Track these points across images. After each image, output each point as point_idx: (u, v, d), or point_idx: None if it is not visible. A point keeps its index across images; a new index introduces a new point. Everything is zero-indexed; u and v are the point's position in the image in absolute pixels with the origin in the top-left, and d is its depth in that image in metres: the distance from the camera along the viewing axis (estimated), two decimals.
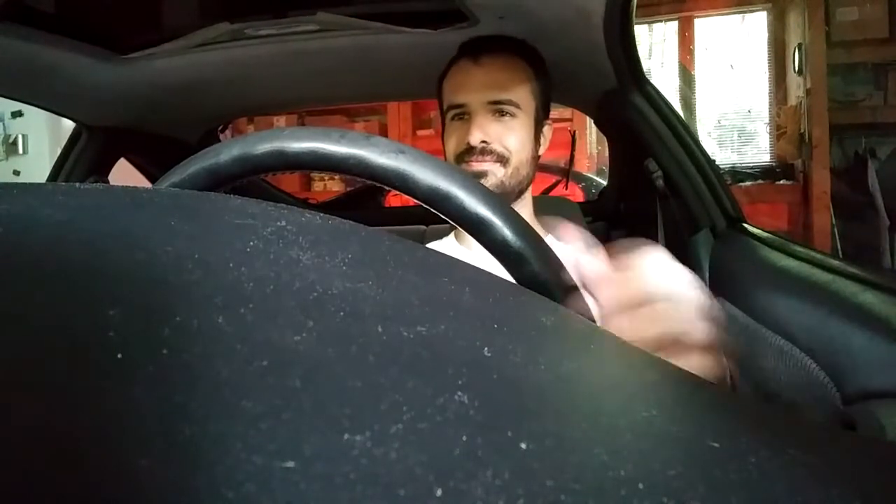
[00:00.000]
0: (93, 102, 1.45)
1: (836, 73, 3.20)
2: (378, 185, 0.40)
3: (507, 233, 0.39)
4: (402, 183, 0.39)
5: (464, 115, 1.05)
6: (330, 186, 4.07)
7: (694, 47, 3.70)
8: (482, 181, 0.98)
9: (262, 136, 0.41)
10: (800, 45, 3.23)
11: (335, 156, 0.40)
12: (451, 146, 1.06)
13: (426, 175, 0.39)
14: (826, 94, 3.13)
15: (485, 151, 1.02)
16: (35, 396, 0.14)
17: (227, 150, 0.41)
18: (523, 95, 1.05)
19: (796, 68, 3.27)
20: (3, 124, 3.45)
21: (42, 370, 0.14)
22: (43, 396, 0.14)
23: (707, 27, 3.73)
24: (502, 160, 1.02)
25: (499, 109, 1.03)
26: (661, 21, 3.78)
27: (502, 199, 0.40)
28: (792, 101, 3.39)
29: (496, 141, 1.02)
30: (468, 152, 1.02)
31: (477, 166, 1.01)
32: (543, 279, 0.39)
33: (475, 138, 1.01)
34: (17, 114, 3.39)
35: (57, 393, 0.14)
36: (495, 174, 1.02)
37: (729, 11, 3.67)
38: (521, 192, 1.07)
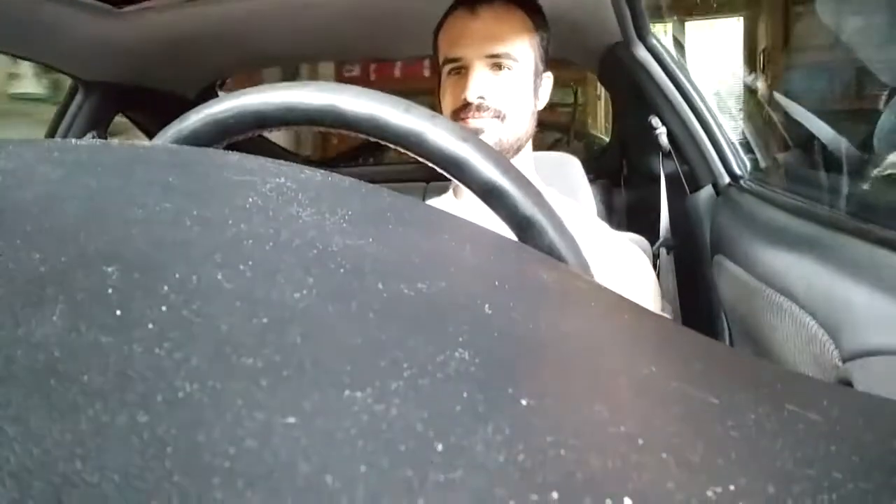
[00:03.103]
0: (89, 57, 1.43)
1: None
2: (434, 167, 0.39)
3: (553, 236, 0.39)
4: (459, 171, 0.38)
5: (461, 69, 1.03)
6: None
7: None
8: (482, 137, 0.98)
9: (322, 87, 0.39)
10: None
11: (396, 129, 0.38)
12: (448, 102, 1.04)
13: (487, 168, 0.38)
14: None
15: (482, 108, 1.00)
16: (33, 351, 0.14)
17: (280, 94, 0.39)
18: (522, 48, 1.03)
19: None
20: None
21: (41, 326, 0.14)
22: (42, 351, 0.14)
23: None
24: (500, 116, 1.01)
25: (497, 63, 1.01)
26: None
27: (551, 207, 0.40)
28: None
29: (494, 96, 1.00)
30: (465, 108, 1.00)
31: (474, 123, 1.00)
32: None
33: (472, 94, 0.99)
34: None
35: (56, 349, 0.14)
36: (493, 130, 1.01)
37: None
38: (519, 149, 1.06)
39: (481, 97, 1.00)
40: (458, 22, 1.04)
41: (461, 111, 1.01)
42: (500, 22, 1.02)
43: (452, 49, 1.03)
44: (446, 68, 1.05)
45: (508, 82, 1.02)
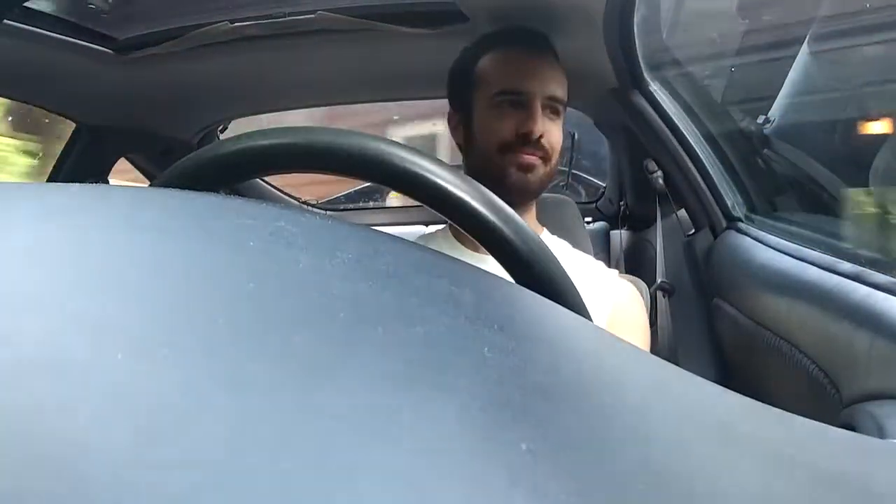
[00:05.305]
0: (92, 102, 1.45)
1: None
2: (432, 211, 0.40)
3: (551, 279, 0.40)
4: (458, 215, 0.39)
5: (519, 103, 1.01)
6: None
7: None
8: (529, 175, 0.98)
9: (325, 132, 0.40)
10: None
11: (397, 172, 0.39)
12: (503, 132, 1.01)
13: (486, 213, 0.39)
14: None
15: (538, 145, 0.99)
16: (42, 407, 0.14)
17: (281, 138, 0.40)
18: (564, 97, 1.03)
19: None
20: None
21: (48, 379, 0.14)
22: (49, 410, 0.14)
23: None
24: (546, 157, 1.00)
25: (551, 105, 1.01)
26: None
27: (550, 251, 0.41)
28: None
29: (548, 137, 1.00)
30: (524, 142, 0.98)
31: (529, 158, 0.98)
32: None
33: (538, 130, 0.98)
34: None
35: (51, 399, 0.14)
36: (540, 170, 1.00)
37: None
38: (543, 190, 1.06)
39: (541, 135, 0.99)
40: (518, 57, 1.03)
41: (519, 144, 0.99)
42: (555, 67, 1.03)
43: (512, 81, 1.01)
44: (499, 98, 1.01)
45: (557, 126, 1.02)
